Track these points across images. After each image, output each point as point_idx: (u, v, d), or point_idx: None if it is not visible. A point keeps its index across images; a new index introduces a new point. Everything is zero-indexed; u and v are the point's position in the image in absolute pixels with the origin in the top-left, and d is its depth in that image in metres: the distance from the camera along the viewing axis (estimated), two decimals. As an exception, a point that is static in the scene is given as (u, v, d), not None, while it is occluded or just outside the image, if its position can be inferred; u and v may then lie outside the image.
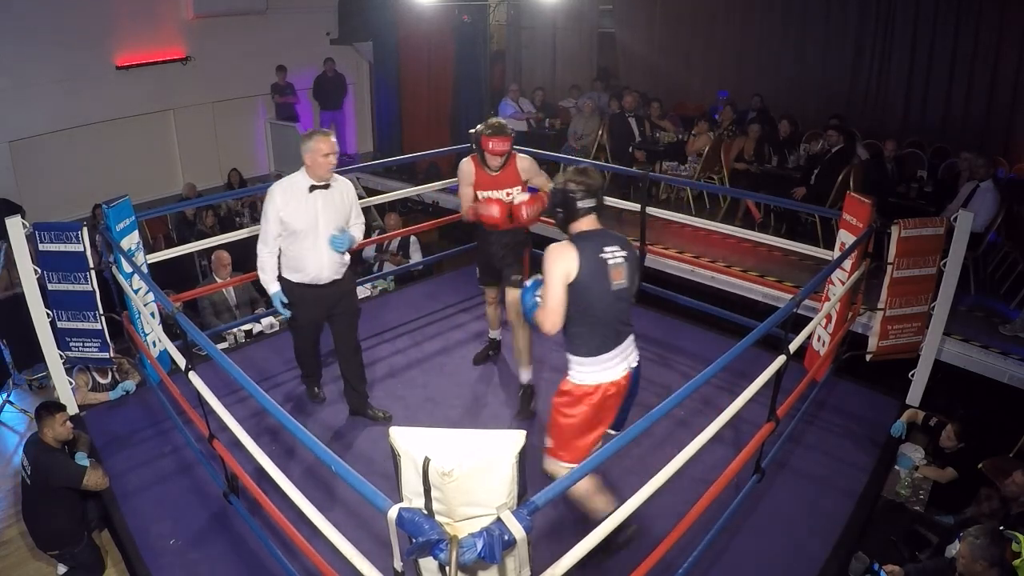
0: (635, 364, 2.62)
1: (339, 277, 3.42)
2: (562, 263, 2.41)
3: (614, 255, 2.46)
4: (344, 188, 3.36)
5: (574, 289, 2.42)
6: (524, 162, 3.65)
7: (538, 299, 2.54)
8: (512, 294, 3.63)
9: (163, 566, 2.89)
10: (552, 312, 2.43)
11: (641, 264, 4.80)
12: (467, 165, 3.63)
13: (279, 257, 3.35)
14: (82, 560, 3.21)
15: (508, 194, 3.57)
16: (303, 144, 3.17)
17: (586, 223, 2.51)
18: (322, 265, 3.32)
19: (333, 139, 3.18)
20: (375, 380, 4.16)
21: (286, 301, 3.39)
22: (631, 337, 2.59)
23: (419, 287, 5.62)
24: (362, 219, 3.56)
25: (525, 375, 3.78)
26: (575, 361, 2.53)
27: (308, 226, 3.23)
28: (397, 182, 7.91)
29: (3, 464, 4.10)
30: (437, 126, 8.62)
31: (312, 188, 3.22)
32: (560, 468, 2.59)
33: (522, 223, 3.50)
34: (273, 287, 3.37)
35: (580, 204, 2.48)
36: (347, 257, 3.45)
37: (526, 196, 3.48)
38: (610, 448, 1.96)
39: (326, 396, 3.98)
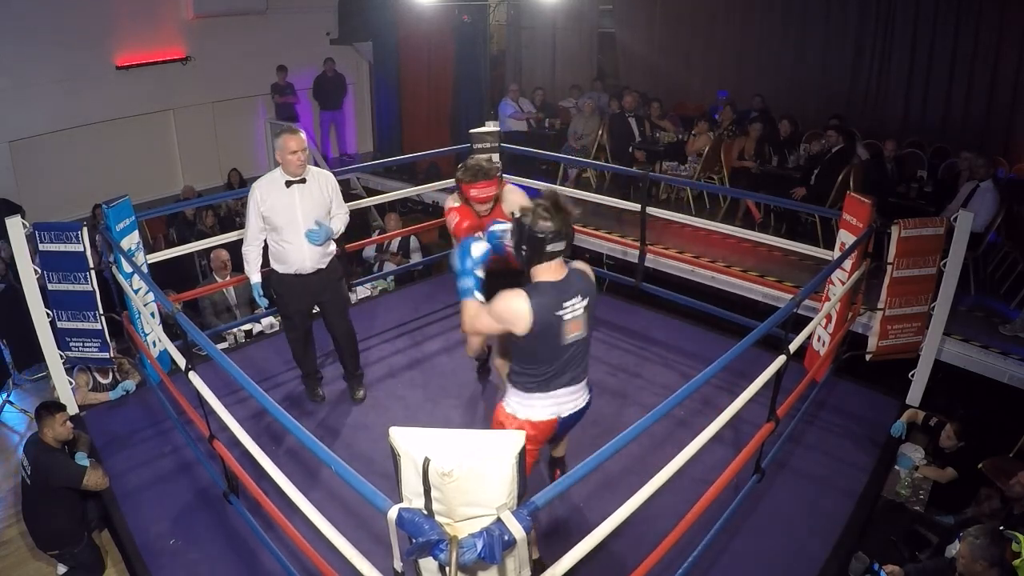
0: (566, 414, 2.43)
1: (323, 266, 3.52)
2: (510, 316, 2.22)
3: (573, 308, 2.27)
4: (322, 180, 3.45)
5: (521, 340, 2.27)
6: (511, 195, 3.25)
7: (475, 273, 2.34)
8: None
9: (163, 566, 2.89)
10: (475, 338, 2.29)
11: (641, 264, 4.83)
12: (451, 215, 3.24)
13: (265, 250, 3.49)
14: (82, 560, 3.21)
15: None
16: (275, 141, 3.35)
17: (551, 270, 2.26)
18: (304, 256, 3.43)
19: (302, 136, 3.30)
20: (375, 380, 4.16)
21: (262, 292, 3.57)
22: (578, 384, 2.43)
23: (419, 287, 5.63)
24: (344, 209, 3.61)
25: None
26: (512, 391, 2.43)
27: (288, 220, 3.36)
28: (397, 182, 7.92)
29: (3, 464, 4.10)
30: (437, 126, 8.62)
31: (288, 183, 3.34)
32: None
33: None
34: (254, 278, 3.53)
35: (548, 248, 2.21)
36: (331, 247, 3.54)
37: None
38: (610, 448, 1.96)
39: (326, 395, 3.98)
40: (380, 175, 8.43)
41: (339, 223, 3.54)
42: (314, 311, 3.80)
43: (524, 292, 2.23)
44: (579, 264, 2.37)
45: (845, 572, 2.89)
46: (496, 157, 5.18)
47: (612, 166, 6.86)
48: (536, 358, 2.32)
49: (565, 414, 2.44)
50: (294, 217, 3.35)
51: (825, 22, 7.98)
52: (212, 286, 4.98)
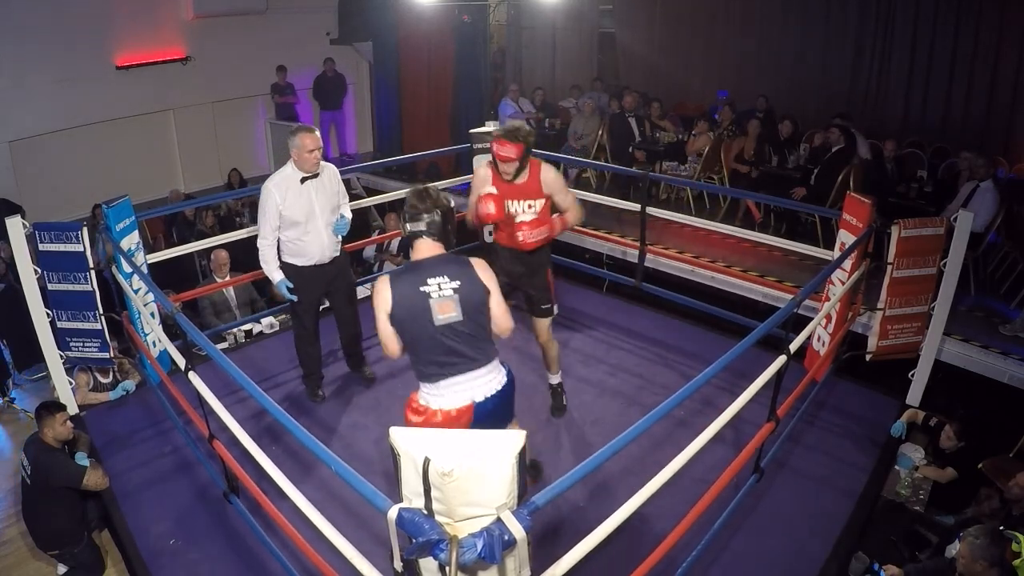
0: (481, 398, 2.37)
1: (337, 254, 3.71)
2: (378, 297, 2.32)
3: (440, 287, 2.29)
4: (330, 173, 3.61)
5: (394, 323, 2.33)
6: (549, 174, 3.22)
7: None
8: (542, 324, 3.48)
9: (163, 566, 2.89)
10: (384, 342, 2.37)
11: (641, 264, 4.83)
12: (483, 170, 3.32)
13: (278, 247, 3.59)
14: (82, 560, 3.21)
15: (530, 206, 3.22)
16: (290, 140, 3.41)
17: (420, 249, 2.36)
18: (323, 247, 3.60)
19: (317, 134, 3.42)
20: (376, 380, 4.16)
21: (291, 286, 3.59)
22: (482, 368, 2.37)
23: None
24: (347, 198, 3.79)
25: (554, 378, 3.72)
26: (420, 384, 2.42)
27: (307, 214, 3.49)
28: (397, 182, 7.91)
29: (3, 464, 4.10)
30: (437, 126, 8.62)
31: (304, 180, 3.47)
32: None
33: (518, 245, 3.19)
34: (277, 276, 3.58)
35: (408, 226, 2.35)
36: (339, 236, 3.71)
37: (530, 216, 3.17)
38: (610, 448, 1.96)
39: (326, 396, 3.98)
40: (380, 175, 8.43)
41: (348, 210, 3.77)
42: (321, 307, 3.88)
43: (388, 275, 2.37)
44: (474, 259, 2.41)
45: (845, 572, 2.89)
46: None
47: (612, 166, 6.86)
48: (417, 345, 2.34)
49: (480, 398, 2.37)
50: (313, 211, 3.50)
51: (825, 22, 7.98)
52: (212, 286, 4.98)
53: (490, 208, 3.10)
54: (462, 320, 2.31)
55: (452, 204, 2.42)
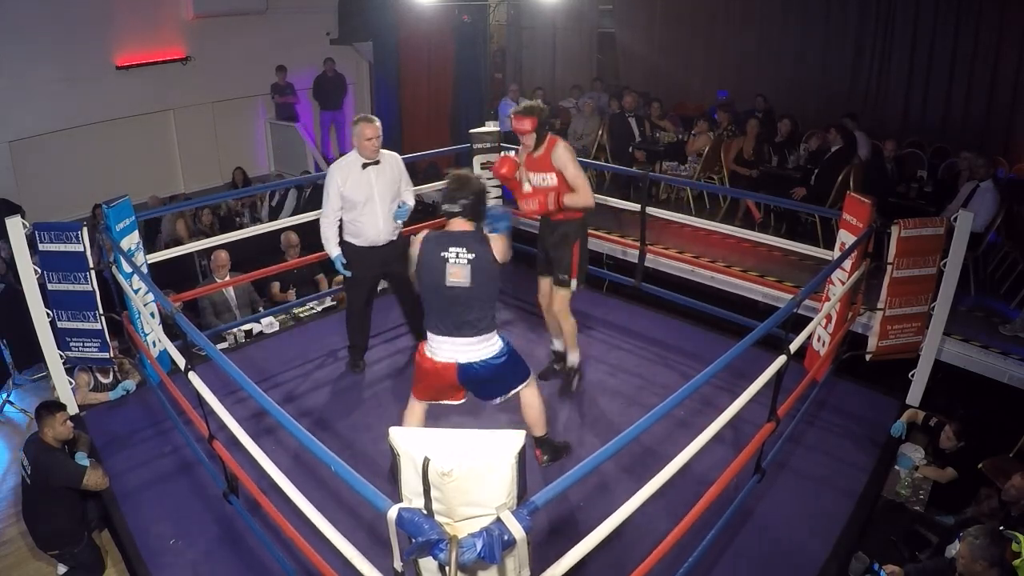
0: (464, 361, 2.79)
1: (394, 238, 3.93)
2: (411, 248, 2.85)
3: (457, 255, 2.71)
4: (393, 161, 3.85)
5: (416, 274, 2.83)
6: (559, 149, 3.47)
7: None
8: (557, 294, 3.70)
9: (163, 566, 2.89)
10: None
11: (641, 264, 4.83)
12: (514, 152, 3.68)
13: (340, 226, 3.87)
14: (82, 560, 3.21)
15: (544, 179, 3.52)
16: (353, 128, 3.74)
17: (453, 224, 2.81)
18: (379, 230, 3.83)
19: (377, 124, 3.71)
20: (376, 380, 4.17)
21: (345, 262, 3.88)
22: (465, 338, 2.77)
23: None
24: (410, 185, 4.03)
25: (569, 356, 3.89)
26: (428, 335, 2.88)
27: (365, 197, 3.74)
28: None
29: (3, 464, 4.10)
30: (437, 126, 8.63)
31: (365, 165, 3.73)
32: (412, 399, 3.07)
33: (538, 213, 3.57)
34: (334, 251, 3.87)
35: (445, 206, 2.79)
36: (400, 222, 3.94)
37: (544, 186, 3.51)
38: (610, 448, 1.96)
39: (365, 365, 4.24)
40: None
41: (411, 198, 3.99)
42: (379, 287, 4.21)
43: (424, 235, 2.83)
44: (494, 236, 2.79)
45: (845, 572, 2.89)
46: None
47: (612, 166, 6.86)
48: (429, 299, 2.80)
49: (463, 360, 2.79)
50: (371, 195, 3.74)
51: (825, 22, 7.98)
52: (212, 286, 4.98)
53: (502, 168, 3.50)
54: (468, 287, 2.72)
55: (485, 186, 2.88)
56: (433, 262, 2.74)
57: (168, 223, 7.11)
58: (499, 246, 2.79)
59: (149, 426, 3.78)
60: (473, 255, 2.71)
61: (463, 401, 3.04)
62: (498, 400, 3.01)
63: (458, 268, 2.71)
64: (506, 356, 2.87)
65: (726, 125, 7.18)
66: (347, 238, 3.86)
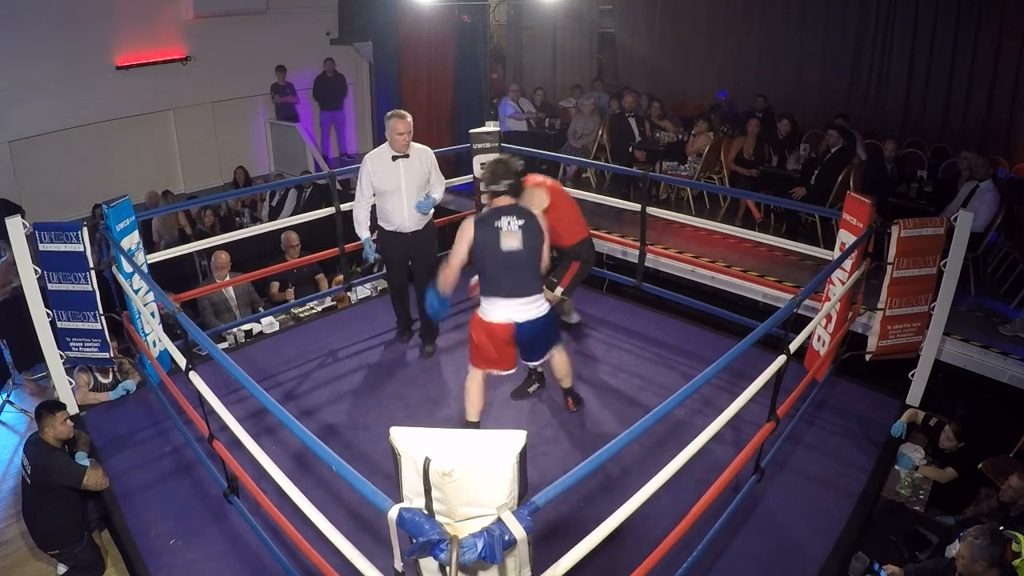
0: (520, 320, 3.15)
1: (420, 228, 4.14)
2: (463, 232, 3.14)
3: (509, 224, 3.08)
4: (423, 156, 4.07)
5: (472, 249, 3.13)
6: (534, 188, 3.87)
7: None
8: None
9: (163, 566, 2.89)
10: (451, 265, 3.16)
11: (641, 264, 4.83)
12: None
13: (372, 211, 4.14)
14: (82, 560, 3.20)
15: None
16: (386, 123, 3.97)
17: (498, 201, 3.16)
18: (404, 217, 4.05)
19: (408, 120, 3.93)
20: (376, 380, 4.17)
21: (374, 245, 4.21)
22: (525, 299, 3.15)
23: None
24: (442, 179, 4.21)
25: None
26: (481, 300, 3.23)
27: (394, 187, 3.97)
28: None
29: (3, 464, 4.10)
30: (437, 126, 8.61)
31: (395, 157, 3.96)
32: (471, 369, 3.39)
33: None
34: (364, 234, 4.17)
35: (491, 186, 3.15)
36: (426, 213, 4.14)
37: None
38: (610, 448, 1.96)
39: (411, 336, 4.57)
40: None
41: (439, 192, 4.17)
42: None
43: (473, 217, 3.18)
44: (534, 210, 3.20)
45: (845, 572, 2.89)
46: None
47: (612, 166, 6.86)
48: (485, 266, 3.14)
49: (520, 319, 3.15)
50: (399, 185, 3.96)
51: (825, 22, 7.98)
52: (212, 286, 4.98)
53: None
54: (522, 251, 3.09)
55: (522, 165, 3.27)
56: (488, 233, 3.09)
57: (166, 224, 7.11)
58: (546, 224, 3.21)
59: (149, 426, 3.78)
60: (523, 221, 3.09)
61: (512, 371, 3.40)
62: (538, 362, 3.47)
63: (511, 234, 3.08)
64: (550, 316, 3.27)
65: (718, 127, 7.19)
66: (379, 222, 4.16)
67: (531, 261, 3.14)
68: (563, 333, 4.55)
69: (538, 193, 3.81)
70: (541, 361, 3.47)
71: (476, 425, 3.47)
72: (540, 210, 3.58)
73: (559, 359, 3.54)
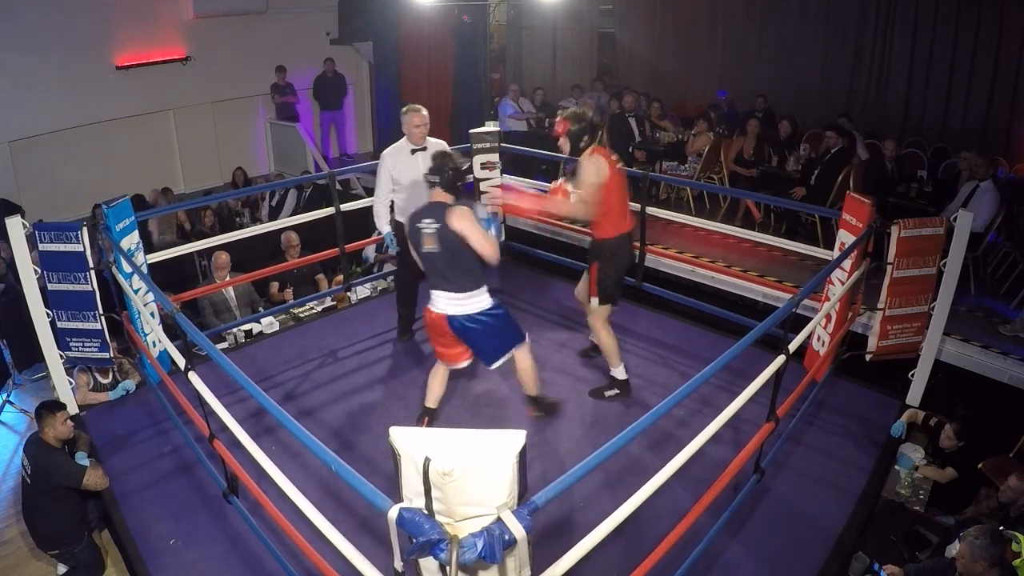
0: (451, 313, 3.19)
1: None
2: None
3: (427, 226, 3.12)
4: (439, 149, 4.01)
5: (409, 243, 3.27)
6: (584, 161, 3.48)
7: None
8: (588, 308, 3.83)
9: (163, 566, 2.89)
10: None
11: (641, 264, 4.83)
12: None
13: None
14: (82, 560, 3.20)
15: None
16: (403, 117, 4.06)
17: (432, 195, 3.19)
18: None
19: (423, 113, 4.04)
20: (376, 380, 4.17)
21: (395, 238, 4.22)
22: (451, 293, 3.18)
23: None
24: None
25: (612, 371, 3.90)
26: None
27: (412, 180, 4.02)
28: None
29: (3, 464, 4.10)
30: (437, 126, 8.58)
31: (413, 151, 4.07)
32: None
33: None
34: (384, 228, 4.25)
35: (429, 176, 3.18)
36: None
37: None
38: (610, 448, 1.96)
39: (412, 336, 4.60)
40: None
41: None
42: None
43: (411, 215, 3.23)
44: (457, 206, 3.11)
45: (845, 572, 2.89)
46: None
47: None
48: (419, 260, 3.27)
49: (451, 312, 3.20)
50: (417, 178, 3.94)
51: (825, 22, 7.98)
52: (212, 286, 4.98)
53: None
54: (440, 252, 3.12)
55: (465, 168, 3.24)
56: (413, 231, 3.19)
57: (165, 221, 7.10)
58: (462, 222, 3.06)
59: (149, 426, 3.78)
60: (438, 225, 3.08)
61: (469, 363, 3.44)
62: (494, 365, 3.36)
63: (428, 236, 3.12)
64: (493, 315, 3.23)
65: (715, 126, 7.19)
66: (397, 216, 4.21)
67: (453, 260, 3.13)
68: (565, 333, 4.58)
69: (596, 163, 3.40)
70: (496, 365, 3.36)
71: (432, 412, 3.58)
72: (598, 181, 3.38)
73: (520, 365, 3.48)
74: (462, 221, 3.07)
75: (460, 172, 3.18)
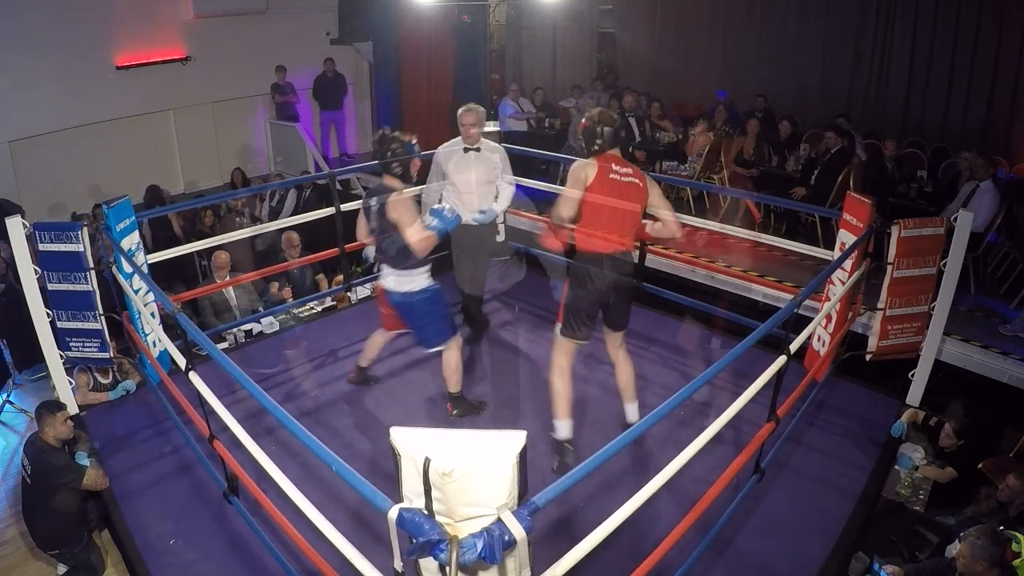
0: (389, 288, 3.39)
1: (474, 224, 4.18)
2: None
3: (373, 206, 3.30)
4: (493, 152, 4.21)
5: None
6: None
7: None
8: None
9: (163, 566, 2.89)
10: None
11: (641, 264, 4.82)
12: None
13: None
14: (82, 560, 3.20)
15: None
16: (458, 116, 4.10)
17: (385, 179, 3.34)
18: (465, 210, 4.05)
19: (478, 113, 4.08)
20: (376, 380, 4.16)
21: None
22: (391, 269, 3.36)
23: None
24: (510, 176, 4.34)
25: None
26: None
27: (464, 179, 4.12)
28: (397, 182, 7.90)
29: (3, 464, 4.10)
30: (437, 126, 8.61)
31: (466, 150, 4.12)
32: None
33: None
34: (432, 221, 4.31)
35: (379, 160, 3.31)
36: (500, 217, 4.38)
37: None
38: (610, 448, 1.96)
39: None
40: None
41: (506, 190, 4.27)
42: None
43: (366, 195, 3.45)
44: (397, 196, 3.24)
45: (845, 572, 2.89)
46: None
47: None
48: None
49: (390, 287, 3.40)
50: (468, 177, 4.11)
51: (825, 22, 7.99)
52: (212, 286, 4.98)
53: None
54: (378, 231, 3.32)
55: (411, 155, 3.31)
56: (365, 208, 3.40)
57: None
58: (405, 228, 3.16)
59: (149, 426, 3.78)
60: (378, 207, 3.27)
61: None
62: (428, 350, 3.60)
63: (373, 215, 3.31)
64: (425, 298, 3.38)
65: (721, 125, 7.19)
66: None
67: (392, 240, 3.26)
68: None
69: (583, 167, 3.10)
70: (431, 351, 3.58)
71: (364, 371, 4.01)
72: (574, 186, 3.05)
73: (446, 361, 3.58)
74: (397, 211, 3.20)
75: (406, 161, 3.29)
